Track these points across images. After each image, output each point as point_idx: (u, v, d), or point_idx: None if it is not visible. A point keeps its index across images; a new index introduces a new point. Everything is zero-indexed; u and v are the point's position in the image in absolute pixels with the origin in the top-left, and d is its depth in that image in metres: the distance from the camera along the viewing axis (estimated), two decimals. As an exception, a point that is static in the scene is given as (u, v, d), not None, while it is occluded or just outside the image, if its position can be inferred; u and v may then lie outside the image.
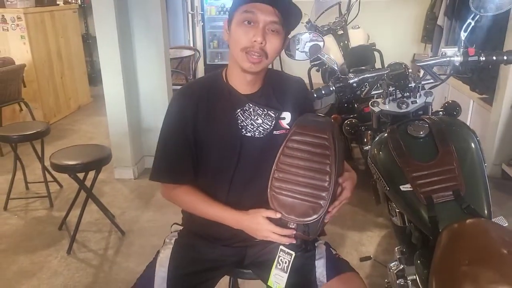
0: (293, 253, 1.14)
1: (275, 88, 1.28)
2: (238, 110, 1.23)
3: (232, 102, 1.24)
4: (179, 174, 1.27)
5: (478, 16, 1.39)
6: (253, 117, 1.24)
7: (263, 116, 1.24)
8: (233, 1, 1.18)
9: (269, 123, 1.25)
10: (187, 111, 1.22)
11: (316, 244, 1.32)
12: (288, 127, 1.26)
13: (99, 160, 2.40)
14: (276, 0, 1.11)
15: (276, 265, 1.15)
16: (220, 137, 1.22)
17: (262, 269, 1.30)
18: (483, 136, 3.08)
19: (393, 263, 1.50)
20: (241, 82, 1.23)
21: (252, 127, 1.24)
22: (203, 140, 1.24)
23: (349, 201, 1.21)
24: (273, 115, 1.25)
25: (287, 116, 1.27)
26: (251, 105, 1.24)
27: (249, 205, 1.26)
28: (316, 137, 1.10)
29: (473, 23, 1.41)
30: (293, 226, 1.10)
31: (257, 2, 1.11)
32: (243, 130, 1.24)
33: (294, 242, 1.14)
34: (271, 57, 1.17)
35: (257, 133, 1.24)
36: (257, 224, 1.15)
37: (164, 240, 1.39)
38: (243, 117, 1.24)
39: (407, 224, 1.47)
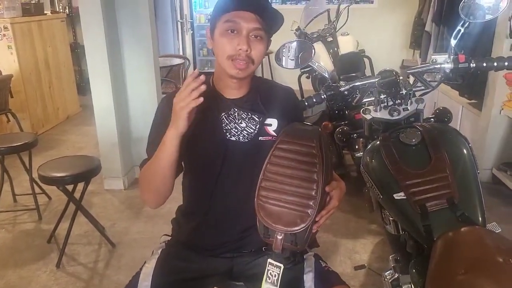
0: (282, 265, 1.12)
1: (262, 95, 1.29)
2: (223, 114, 1.25)
3: (217, 106, 1.25)
4: None
5: (467, 23, 1.40)
6: (237, 121, 1.25)
7: (247, 120, 1.25)
8: (213, 10, 1.20)
9: (253, 127, 1.26)
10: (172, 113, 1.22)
11: (305, 257, 1.31)
12: (274, 134, 1.26)
13: (88, 172, 2.36)
14: (257, 8, 1.14)
15: (266, 279, 1.13)
16: (205, 139, 1.23)
17: (253, 282, 1.29)
18: (472, 141, 3.08)
19: (387, 272, 1.48)
20: (228, 87, 1.25)
21: (236, 130, 1.25)
22: (188, 142, 1.23)
23: (339, 209, 1.19)
24: (257, 119, 1.26)
25: (273, 123, 1.27)
26: (236, 110, 1.26)
27: (233, 208, 1.27)
28: (303, 145, 1.10)
29: (462, 30, 1.41)
30: (280, 236, 1.08)
31: (239, 10, 1.13)
32: (228, 134, 1.25)
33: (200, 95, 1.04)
34: (257, 63, 1.19)
35: (241, 137, 1.25)
36: (174, 109, 1.08)
37: (152, 251, 1.38)
38: (228, 120, 1.25)
39: (401, 233, 1.46)
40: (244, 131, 1.25)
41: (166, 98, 1.31)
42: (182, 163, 1.28)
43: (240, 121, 1.25)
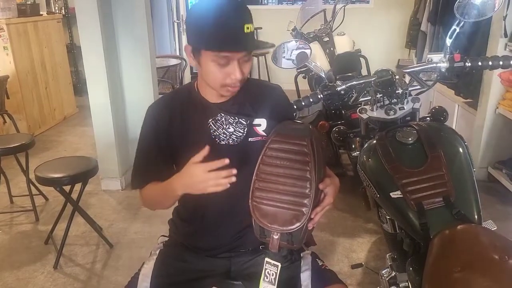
0: (279, 264, 1.13)
1: (249, 96, 1.28)
2: (210, 120, 1.25)
3: (204, 112, 1.25)
4: (147, 180, 1.29)
5: (462, 22, 1.41)
6: (225, 126, 1.25)
7: (234, 124, 1.25)
8: (196, 36, 1.14)
9: (241, 131, 1.25)
10: (160, 123, 1.25)
11: (302, 255, 1.31)
12: (264, 133, 1.26)
13: (85, 172, 2.36)
14: (246, 45, 1.12)
15: (264, 278, 1.13)
16: (195, 146, 1.22)
17: (250, 281, 1.29)
18: (468, 140, 3.12)
19: (385, 270, 1.49)
20: (213, 94, 1.25)
21: (225, 135, 1.25)
22: (179, 150, 1.26)
23: (335, 207, 1.20)
24: (244, 122, 1.26)
25: (262, 123, 1.27)
26: (222, 115, 1.25)
27: (229, 213, 1.27)
28: (295, 144, 1.10)
29: (458, 29, 1.42)
30: (276, 236, 1.09)
31: (230, 51, 1.11)
32: (217, 139, 1.25)
33: (228, 184, 1.09)
34: (246, 78, 1.20)
35: (230, 141, 1.25)
36: (190, 176, 1.12)
37: (150, 252, 1.38)
38: (215, 126, 1.25)
39: (398, 231, 1.47)
40: (233, 135, 1.25)
41: (152, 109, 1.29)
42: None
43: (227, 126, 1.25)
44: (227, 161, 1.09)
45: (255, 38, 1.15)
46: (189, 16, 1.17)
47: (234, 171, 1.08)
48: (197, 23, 1.12)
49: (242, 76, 1.15)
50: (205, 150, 1.12)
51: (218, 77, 1.15)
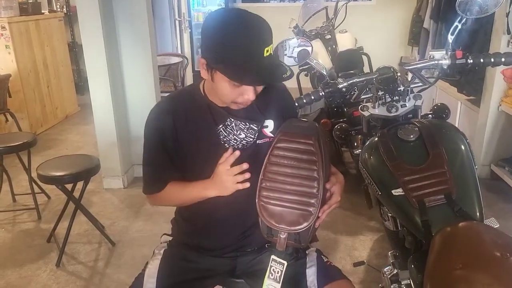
0: (285, 262, 1.13)
1: (257, 97, 1.24)
2: (220, 126, 1.23)
3: (213, 117, 1.23)
4: (164, 184, 1.28)
5: (464, 19, 1.40)
6: (235, 132, 1.23)
7: (245, 130, 1.23)
8: (215, 61, 1.09)
9: (252, 136, 1.24)
10: (164, 127, 1.23)
11: (307, 252, 1.31)
12: (271, 135, 1.25)
13: (87, 171, 2.36)
14: (265, 79, 1.12)
15: (269, 275, 1.13)
16: (203, 151, 1.22)
17: (254, 279, 1.29)
18: (471, 137, 3.11)
19: (386, 268, 1.49)
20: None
21: (235, 141, 1.23)
22: (187, 153, 1.25)
23: (339, 204, 1.20)
24: (255, 127, 1.24)
25: (270, 124, 1.26)
26: (232, 120, 1.23)
27: (235, 212, 1.26)
28: (302, 143, 1.09)
29: (460, 26, 1.41)
30: (283, 236, 1.09)
31: (252, 85, 1.12)
32: (227, 144, 1.23)
33: (248, 180, 1.14)
34: None
35: (240, 146, 1.24)
36: (221, 183, 1.17)
37: (154, 251, 1.38)
38: (225, 132, 1.23)
39: (399, 229, 1.46)
40: (243, 141, 1.24)
41: (154, 114, 1.26)
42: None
43: (238, 132, 1.23)
44: (245, 166, 1.14)
45: (272, 58, 1.11)
46: (207, 31, 1.10)
47: (245, 165, 1.15)
48: (216, 47, 1.08)
49: (255, 97, 1.14)
50: (231, 154, 1.17)
51: (231, 96, 1.13)
